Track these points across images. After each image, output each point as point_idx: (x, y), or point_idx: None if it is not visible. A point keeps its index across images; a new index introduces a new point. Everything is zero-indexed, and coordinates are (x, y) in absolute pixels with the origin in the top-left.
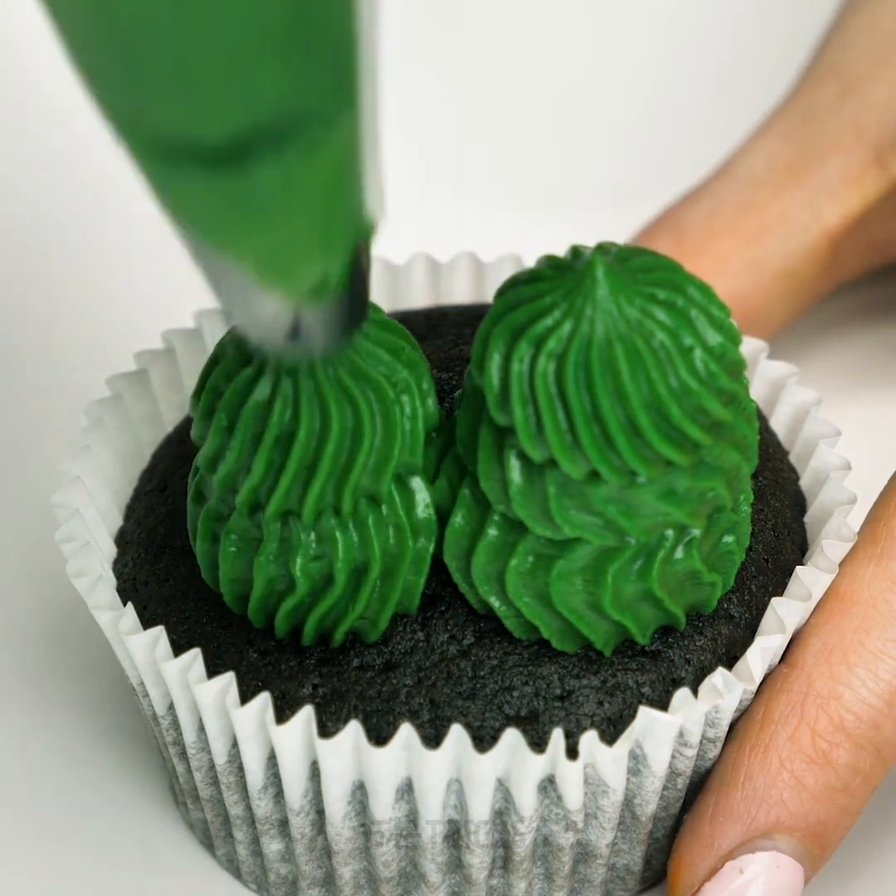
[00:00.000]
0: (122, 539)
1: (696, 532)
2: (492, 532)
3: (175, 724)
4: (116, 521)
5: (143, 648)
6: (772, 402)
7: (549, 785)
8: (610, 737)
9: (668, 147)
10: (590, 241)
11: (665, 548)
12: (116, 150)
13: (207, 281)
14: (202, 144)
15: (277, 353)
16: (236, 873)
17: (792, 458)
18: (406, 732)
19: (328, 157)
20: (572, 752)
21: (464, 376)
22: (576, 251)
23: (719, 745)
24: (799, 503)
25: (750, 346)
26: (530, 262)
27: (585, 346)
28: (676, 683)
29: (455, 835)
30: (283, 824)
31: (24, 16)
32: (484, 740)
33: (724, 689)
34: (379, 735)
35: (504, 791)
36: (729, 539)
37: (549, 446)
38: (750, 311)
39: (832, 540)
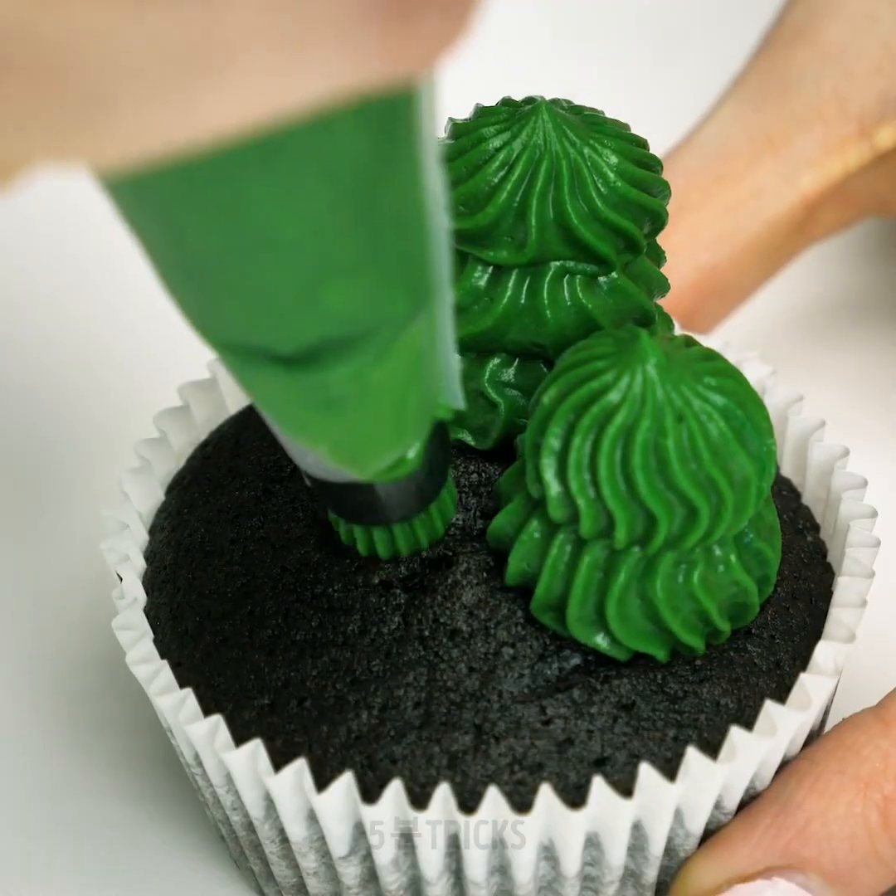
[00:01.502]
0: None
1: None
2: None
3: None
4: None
5: (203, 737)
6: (779, 429)
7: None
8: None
9: (631, 111)
10: None
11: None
12: None
13: (287, 450)
14: (275, 353)
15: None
16: None
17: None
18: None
19: (400, 356)
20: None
21: None
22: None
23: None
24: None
25: (756, 374)
26: None
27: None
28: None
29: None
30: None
31: None
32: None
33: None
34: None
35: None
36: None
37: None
38: (721, 281)
39: (846, 608)
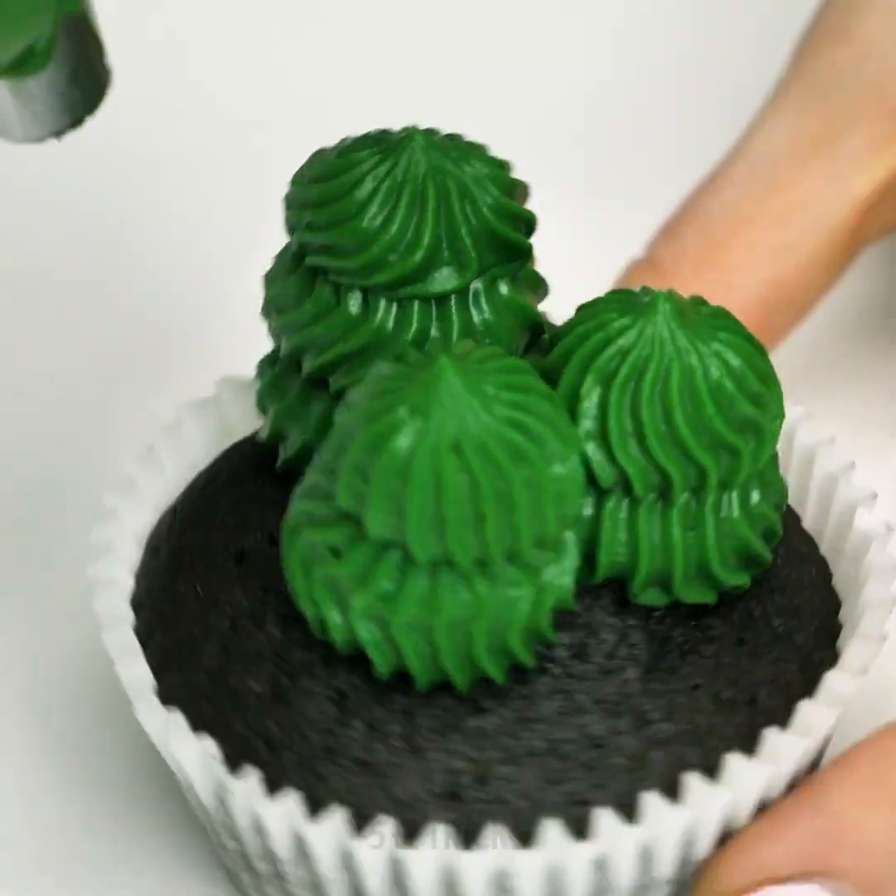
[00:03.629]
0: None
1: None
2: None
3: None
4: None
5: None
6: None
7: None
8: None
9: (673, 127)
10: (601, 230)
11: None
12: None
13: None
14: None
15: None
16: None
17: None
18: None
19: None
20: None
21: None
22: None
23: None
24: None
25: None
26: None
27: None
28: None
29: None
30: None
31: None
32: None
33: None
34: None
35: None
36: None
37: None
38: (786, 294)
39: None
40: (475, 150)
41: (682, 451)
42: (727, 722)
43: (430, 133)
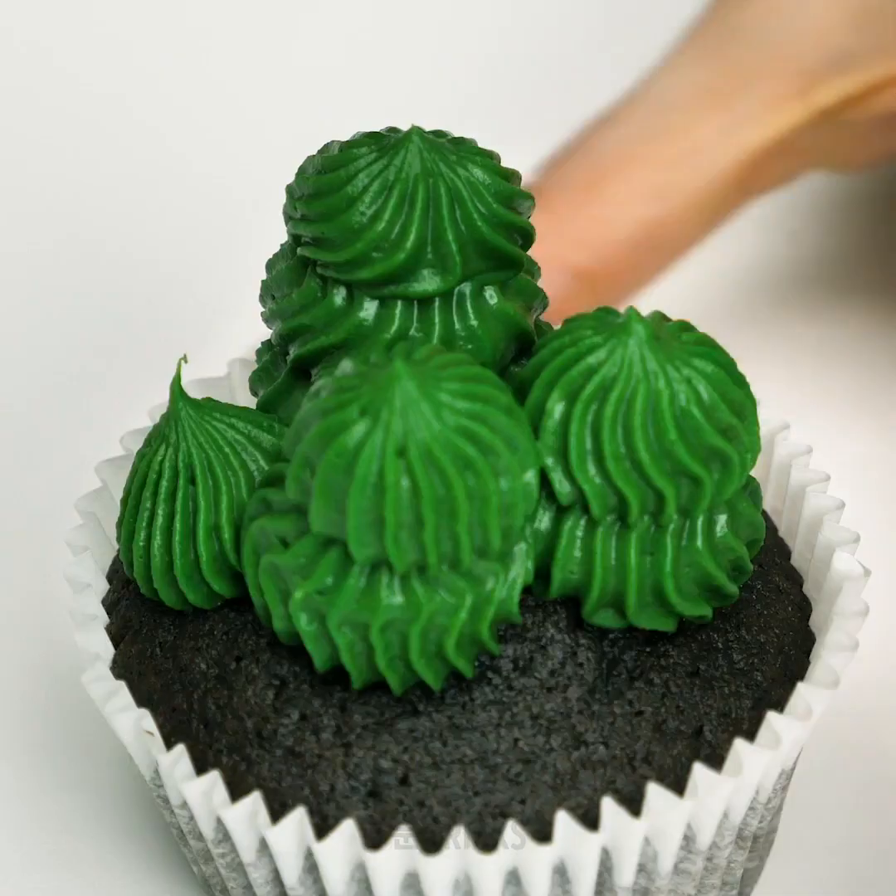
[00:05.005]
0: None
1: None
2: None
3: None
4: None
5: (200, 795)
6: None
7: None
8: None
9: (576, 68)
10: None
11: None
12: None
13: None
14: None
15: None
16: None
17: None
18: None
19: None
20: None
21: None
22: None
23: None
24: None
25: (767, 427)
26: None
27: None
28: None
29: None
30: None
31: None
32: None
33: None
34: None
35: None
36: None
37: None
38: (658, 235)
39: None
40: (478, 156)
41: (640, 475)
42: (665, 752)
43: (433, 134)
